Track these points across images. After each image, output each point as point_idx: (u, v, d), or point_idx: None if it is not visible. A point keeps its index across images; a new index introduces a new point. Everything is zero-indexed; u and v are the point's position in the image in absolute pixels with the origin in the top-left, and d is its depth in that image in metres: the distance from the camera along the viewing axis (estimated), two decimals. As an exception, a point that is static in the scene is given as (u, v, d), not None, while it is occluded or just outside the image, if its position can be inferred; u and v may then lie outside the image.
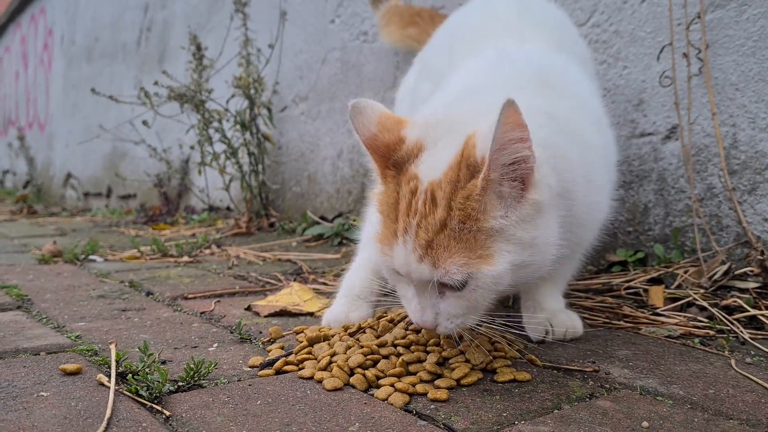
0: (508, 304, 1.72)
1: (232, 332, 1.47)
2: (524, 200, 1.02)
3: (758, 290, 1.51)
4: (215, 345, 1.37)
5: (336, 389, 1.09)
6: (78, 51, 6.59)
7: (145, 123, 3.36)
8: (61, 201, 6.80)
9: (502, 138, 0.96)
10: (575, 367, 1.20)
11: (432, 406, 1.02)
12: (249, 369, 1.21)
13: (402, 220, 1.05)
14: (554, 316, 1.37)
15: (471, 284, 1.02)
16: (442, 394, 1.05)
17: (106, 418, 0.93)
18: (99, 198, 5.98)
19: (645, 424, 0.95)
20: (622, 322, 1.49)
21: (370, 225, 1.37)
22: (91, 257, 2.64)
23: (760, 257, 1.53)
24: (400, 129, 1.12)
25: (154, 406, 1.00)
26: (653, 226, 1.82)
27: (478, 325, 1.11)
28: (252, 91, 3.27)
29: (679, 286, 1.62)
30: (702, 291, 1.54)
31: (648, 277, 1.68)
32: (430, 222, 1.02)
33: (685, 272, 1.63)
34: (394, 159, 1.10)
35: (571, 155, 1.15)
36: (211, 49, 3.67)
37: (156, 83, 3.08)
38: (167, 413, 0.98)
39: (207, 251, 2.86)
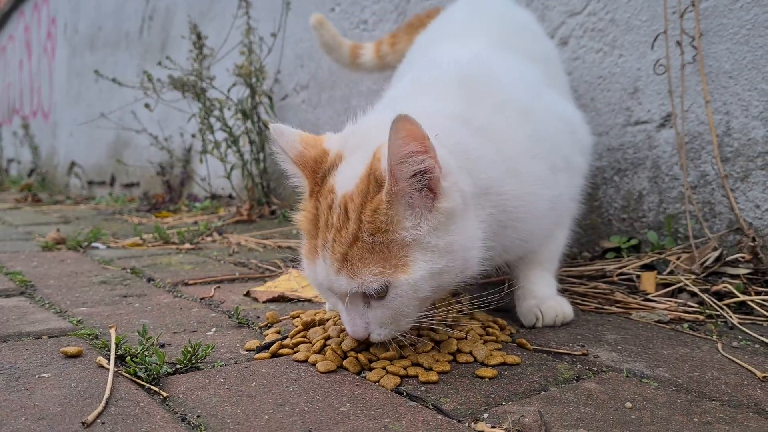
0: (502, 288, 1.75)
1: (230, 317, 1.50)
2: (435, 209, 1.04)
3: (749, 276, 1.53)
4: (213, 329, 1.40)
5: (329, 371, 1.12)
6: (81, 40, 6.61)
7: (147, 106, 3.38)
8: (66, 189, 6.84)
9: (398, 152, 0.97)
10: (565, 351, 1.23)
11: (422, 388, 1.05)
12: (245, 352, 1.24)
13: (321, 236, 1.08)
14: (544, 302, 1.40)
15: (391, 293, 1.04)
16: (433, 377, 1.08)
17: (104, 398, 0.96)
18: (103, 186, 6.01)
19: (628, 404, 0.98)
20: (613, 308, 1.52)
21: None
22: (94, 244, 2.67)
23: (752, 244, 1.54)
24: (321, 144, 1.15)
25: (151, 387, 1.03)
26: (647, 213, 1.83)
27: (414, 327, 1.14)
28: (253, 80, 3.29)
29: (671, 272, 1.64)
30: (693, 277, 1.56)
31: (641, 263, 1.70)
32: (343, 235, 1.04)
33: (678, 259, 1.65)
34: (321, 173, 1.12)
35: (488, 154, 1.17)
36: (212, 38, 3.69)
37: (159, 64, 3.09)
38: (164, 394, 1.01)
39: (208, 238, 2.89)
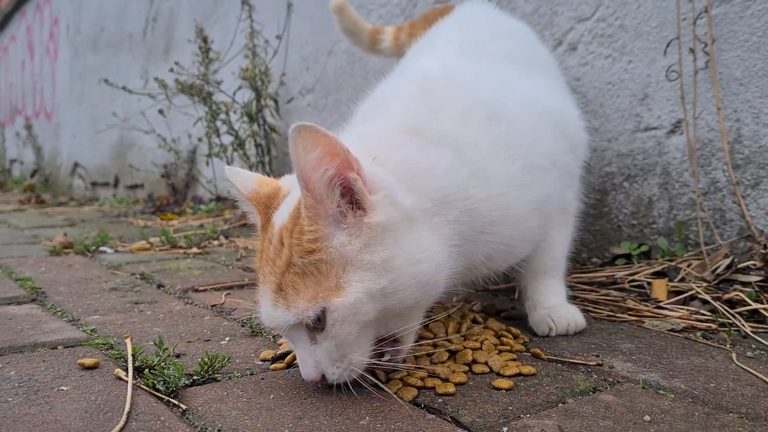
0: (514, 297, 1.75)
1: (243, 325, 1.50)
2: (364, 225, 0.99)
3: (760, 284, 1.53)
4: (227, 338, 1.40)
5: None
6: (84, 41, 6.61)
7: (161, 112, 3.39)
8: (69, 190, 6.84)
9: (304, 161, 0.94)
10: (579, 361, 1.23)
11: (440, 400, 1.05)
12: (261, 363, 1.25)
13: (262, 272, 1.05)
14: (555, 311, 1.40)
15: (329, 319, 0.98)
16: (450, 388, 1.08)
17: (125, 412, 0.96)
18: (106, 187, 6.02)
19: (647, 417, 0.98)
20: (625, 315, 1.52)
21: None
22: (102, 249, 2.67)
23: (763, 251, 1.55)
24: (276, 183, 1.14)
25: (170, 400, 1.03)
26: (657, 219, 1.84)
27: (373, 364, 1.06)
28: (259, 83, 3.29)
29: (682, 280, 1.64)
30: (705, 284, 1.56)
31: (652, 270, 1.70)
32: (277, 264, 1.00)
33: (689, 266, 1.66)
34: (273, 209, 1.10)
35: (443, 163, 1.13)
36: (217, 41, 3.69)
37: (171, 70, 3.09)
38: (184, 407, 1.01)
39: (215, 242, 2.90)
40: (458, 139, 1.17)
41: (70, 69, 6.98)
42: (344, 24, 2.37)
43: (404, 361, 1.14)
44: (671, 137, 1.81)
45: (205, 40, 3.21)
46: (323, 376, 1.03)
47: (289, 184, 1.12)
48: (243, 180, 1.15)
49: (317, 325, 0.99)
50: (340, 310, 0.98)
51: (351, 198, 0.99)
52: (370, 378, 1.05)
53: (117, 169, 5.77)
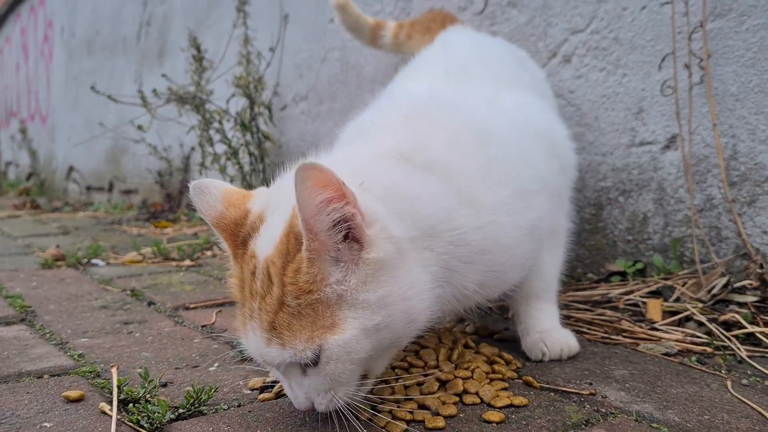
0: (508, 316, 1.73)
1: (233, 347, 1.48)
2: (362, 261, 0.95)
3: (756, 304, 1.51)
4: (216, 364, 1.38)
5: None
6: (78, 43, 6.57)
7: (140, 128, 3.37)
8: (64, 194, 6.81)
9: (310, 203, 0.90)
10: (572, 389, 1.21)
11: (429, 435, 1.03)
12: (249, 392, 1.23)
13: (247, 306, 1.00)
14: (548, 336, 1.38)
15: (323, 357, 0.95)
16: (440, 422, 1.06)
17: (107, 454, 0.94)
18: (101, 192, 5.99)
19: (639, 455, 0.96)
20: (620, 338, 1.50)
21: None
22: (94, 261, 2.65)
23: (759, 270, 1.53)
24: (245, 202, 1.08)
25: (154, 437, 1.02)
26: (652, 236, 1.82)
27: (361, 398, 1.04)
28: (252, 90, 3.26)
29: (677, 299, 1.62)
30: (700, 305, 1.54)
31: (647, 289, 1.69)
32: (268, 302, 0.96)
33: (684, 284, 1.64)
34: (242, 235, 1.05)
35: (430, 191, 1.09)
36: (210, 46, 3.66)
37: (155, 91, 3.07)
38: (168, 445, 0.99)
39: (209, 253, 2.88)
40: (447, 165, 1.13)
41: (65, 72, 6.94)
42: (347, 21, 2.36)
43: (373, 392, 1.11)
44: (666, 152, 1.79)
45: (198, 48, 3.18)
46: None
47: (261, 204, 1.06)
48: (208, 202, 1.07)
49: (312, 363, 0.96)
50: (335, 348, 0.95)
51: (345, 231, 0.95)
52: (353, 411, 1.02)
53: (111, 174, 5.74)
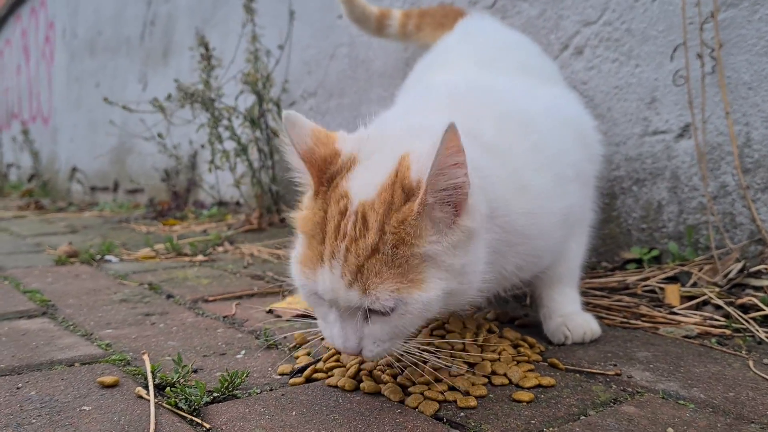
0: (525, 302, 1.76)
1: (257, 337, 1.50)
2: (456, 226, 1.00)
3: (772, 288, 1.53)
4: (243, 352, 1.40)
5: (372, 392, 1.13)
6: (80, 44, 6.59)
7: (160, 136, 3.39)
8: (68, 195, 6.82)
9: (442, 162, 0.93)
10: (597, 371, 1.23)
11: (462, 414, 1.05)
12: (279, 377, 1.25)
13: (329, 243, 1.00)
14: (571, 320, 1.40)
15: (400, 309, 0.98)
16: (471, 402, 1.08)
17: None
18: (106, 192, 6.00)
19: (670, 430, 0.98)
20: (639, 322, 1.52)
21: None
22: (107, 257, 2.67)
23: (774, 255, 1.55)
24: (333, 143, 1.08)
25: (194, 418, 1.03)
26: (667, 224, 1.84)
27: (405, 351, 1.07)
28: (260, 87, 3.28)
29: (694, 284, 1.65)
30: (717, 289, 1.57)
31: (664, 275, 1.71)
32: (360, 246, 0.97)
33: (700, 270, 1.66)
34: (329, 173, 1.05)
35: (497, 172, 1.12)
36: (216, 45, 3.68)
37: (169, 96, 3.09)
38: (207, 426, 1.01)
39: (220, 249, 2.89)
40: (502, 148, 1.17)
41: (67, 73, 6.95)
42: (353, 13, 2.39)
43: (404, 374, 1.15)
44: (680, 141, 1.81)
45: (206, 47, 3.20)
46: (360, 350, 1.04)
47: (350, 148, 1.07)
48: (298, 134, 1.06)
49: (388, 311, 0.99)
50: (416, 303, 0.99)
51: (451, 196, 0.99)
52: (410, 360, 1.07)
53: (117, 174, 5.75)
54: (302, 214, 1.08)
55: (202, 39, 3.22)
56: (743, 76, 1.67)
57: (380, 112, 1.35)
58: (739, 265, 1.58)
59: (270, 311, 1.74)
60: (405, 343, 1.07)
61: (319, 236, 1.03)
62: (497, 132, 1.18)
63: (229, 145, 3.41)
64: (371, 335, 1.02)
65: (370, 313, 1.00)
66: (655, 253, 1.83)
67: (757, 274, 1.57)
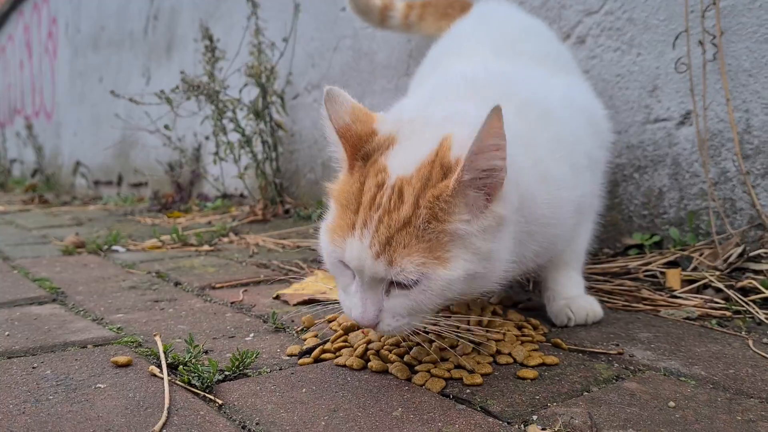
0: (528, 288, 1.78)
1: (265, 321, 1.53)
2: (488, 211, 1.02)
3: (772, 271, 1.56)
4: (251, 335, 1.43)
5: (380, 371, 1.16)
6: (84, 39, 6.61)
7: (167, 127, 3.42)
8: (71, 189, 6.85)
9: (482, 142, 0.96)
10: (600, 350, 1.26)
11: (468, 391, 1.08)
12: (288, 358, 1.27)
13: (363, 213, 1.03)
14: (574, 302, 1.43)
15: (422, 284, 1.01)
16: (477, 379, 1.11)
17: (165, 407, 0.99)
18: (110, 186, 6.03)
19: (671, 404, 1.01)
20: (641, 305, 1.55)
21: None
22: (114, 248, 2.70)
23: (774, 239, 1.57)
24: (371, 122, 1.11)
25: (206, 395, 1.06)
26: (668, 210, 1.86)
27: (422, 329, 1.10)
28: (264, 80, 3.31)
29: (695, 269, 1.67)
30: (717, 273, 1.59)
31: (665, 260, 1.73)
32: (393, 218, 1.00)
33: (701, 255, 1.68)
34: (365, 150, 1.09)
35: (525, 161, 1.15)
36: (220, 37, 3.70)
37: (182, 73, 3.11)
38: (220, 402, 1.04)
39: (225, 239, 2.92)
40: (525, 138, 1.18)
41: (70, 68, 6.98)
42: (357, 5, 2.41)
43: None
44: (681, 128, 1.84)
45: (210, 39, 3.22)
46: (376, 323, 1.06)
47: (391, 128, 1.10)
48: (337, 111, 1.09)
49: (410, 285, 1.01)
50: (439, 280, 1.01)
51: (486, 180, 1.00)
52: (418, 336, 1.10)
53: (120, 168, 5.78)
54: (338, 185, 1.12)
55: (207, 31, 3.24)
56: (744, 63, 1.69)
57: (390, 103, 1.37)
58: (739, 250, 1.61)
59: (277, 297, 1.77)
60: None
61: (354, 206, 1.06)
62: (520, 122, 1.19)
63: (234, 137, 3.44)
64: (391, 309, 1.04)
65: (392, 286, 1.03)
66: (656, 238, 1.86)
67: (757, 258, 1.59)
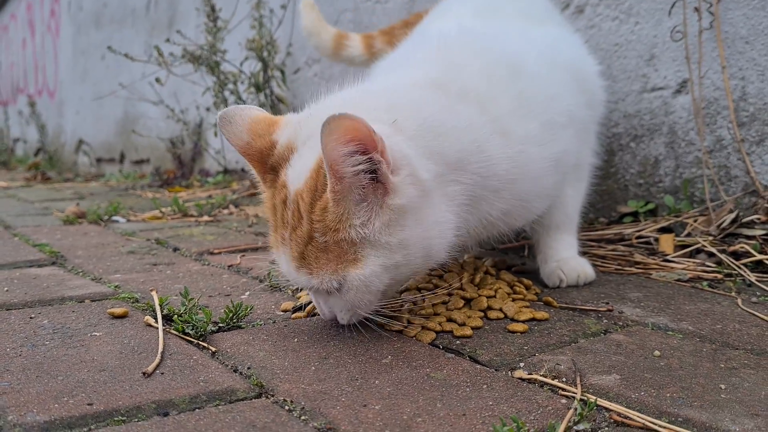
0: (524, 254, 1.79)
1: (261, 281, 1.55)
2: (385, 206, 0.99)
3: (765, 237, 1.56)
4: (247, 293, 1.45)
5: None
6: (86, 17, 6.59)
7: (158, 80, 3.41)
8: (74, 167, 6.87)
9: (333, 154, 0.93)
10: (590, 307, 1.27)
11: (458, 342, 1.10)
12: (282, 313, 1.29)
13: (280, 230, 1.06)
14: (566, 263, 1.44)
15: (345, 286, 1.02)
16: (467, 331, 1.13)
17: (159, 351, 1.01)
18: (112, 163, 6.04)
19: (657, 353, 1.02)
20: (633, 268, 1.56)
21: None
22: (114, 218, 2.71)
23: (767, 205, 1.58)
24: (271, 132, 1.11)
25: (200, 343, 1.08)
26: (664, 178, 1.87)
27: (376, 311, 1.11)
28: (265, 54, 3.31)
29: (688, 234, 1.68)
30: (711, 238, 1.60)
31: (659, 226, 1.74)
32: (299, 234, 1.02)
33: (695, 221, 1.69)
34: (270, 163, 1.09)
35: (465, 121, 1.12)
36: (221, 10, 3.70)
37: (168, 41, 3.11)
38: (213, 349, 1.06)
39: (225, 211, 2.93)
40: (481, 94, 1.17)
41: (73, 46, 6.97)
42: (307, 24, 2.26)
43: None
44: (677, 97, 1.84)
45: (213, 8, 3.22)
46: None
47: (288, 135, 1.08)
48: (234, 132, 1.12)
49: (336, 290, 1.03)
50: (355, 281, 1.02)
51: (373, 175, 0.98)
52: (378, 319, 1.11)
53: (122, 145, 5.79)
54: (264, 201, 1.14)
55: (209, 0, 3.24)
56: (740, 31, 1.69)
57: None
58: (733, 215, 1.61)
59: (273, 261, 1.78)
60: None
61: (273, 223, 1.10)
62: (480, 78, 1.19)
63: (234, 111, 3.44)
64: (335, 307, 1.09)
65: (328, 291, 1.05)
66: (651, 206, 1.87)
67: (750, 224, 1.60)
